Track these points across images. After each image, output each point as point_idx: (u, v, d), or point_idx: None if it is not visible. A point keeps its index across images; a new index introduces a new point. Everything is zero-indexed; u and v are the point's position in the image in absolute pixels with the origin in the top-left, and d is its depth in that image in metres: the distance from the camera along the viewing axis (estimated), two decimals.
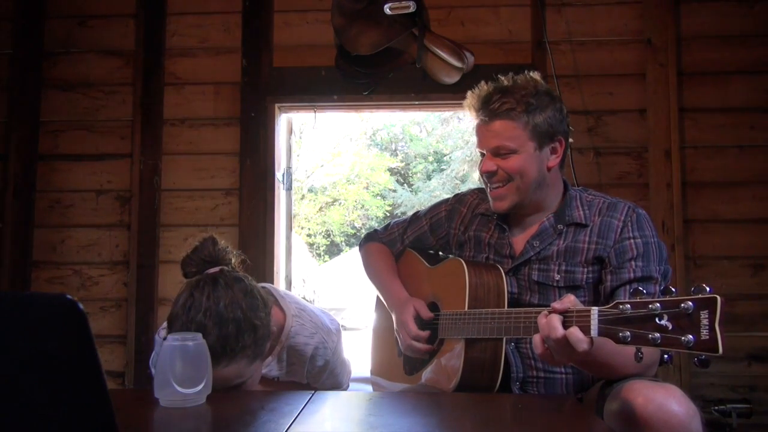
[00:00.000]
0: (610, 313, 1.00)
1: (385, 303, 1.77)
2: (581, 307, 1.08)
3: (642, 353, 0.97)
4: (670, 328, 0.91)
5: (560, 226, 1.48)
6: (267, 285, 1.61)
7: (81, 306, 0.57)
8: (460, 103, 2.63)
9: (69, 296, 0.57)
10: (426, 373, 1.59)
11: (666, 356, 0.97)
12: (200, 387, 1.11)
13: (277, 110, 2.67)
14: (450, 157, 17.78)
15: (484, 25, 2.63)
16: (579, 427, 1.07)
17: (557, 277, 1.45)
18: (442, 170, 18.03)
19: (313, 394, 1.25)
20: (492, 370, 1.42)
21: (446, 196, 1.80)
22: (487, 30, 2.63)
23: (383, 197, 18.94)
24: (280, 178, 2.71)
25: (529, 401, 1.33)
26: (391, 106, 2.74)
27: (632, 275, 1.39)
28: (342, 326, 1.77)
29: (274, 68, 2.67)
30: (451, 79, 2.53)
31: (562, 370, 1.45)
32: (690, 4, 2.57)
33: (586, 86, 2.57)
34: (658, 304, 0.93)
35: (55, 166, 2.70)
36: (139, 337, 2.57)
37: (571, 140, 1.53)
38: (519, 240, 1.53)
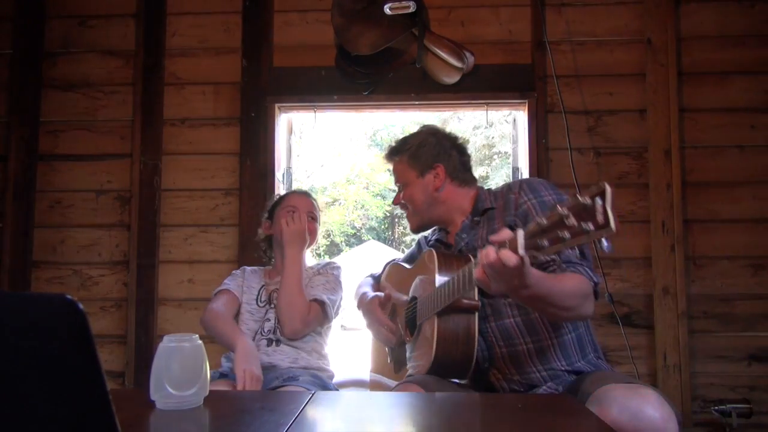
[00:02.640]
0: (531, 230, 1.11)
1: (361, 311, 1.94)
2: (510, 233, 1.18)
3: (560, 256, 1.13)
4: (576, 224, 1.00)
5: (476, 218, 1.69)
6: None
7: (81, 306, 0.57)
8: (460, 103, 2.68)
9: (69, 296, 0.57)
10: (410, 362, 1.65)
11: (576, 250, 1.16)
12: (195, 389, 1.11)
13: (277, 110, 2.67)
14: None
15: (484, 25, 2.63)
16: (579, 426, 1.07)
17: None
18: None
19: (313, 394, 1.25)
20: (466, 343, 1.48)
21: None
22: (487, 30, 2.63)
23: (383, 197, 18.95)
24: (280, 178, 2.71)
25: (529, 401, 1.33)
26: (391, 106, 2.74)
27: None
28: (342, 326, 1.84)
29: (274, 68, 2.67)
30: (451, 79, 2.53)
31: (521, 340, 1.54)
32: (690, 4, 2.57)
33: (586, 86, 2.57)
34: (566, 209, 1.03)
35: (55, 166, 2.70)
36: (139, 337, 2.57)
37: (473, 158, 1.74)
38: (452, 240, 1.76)
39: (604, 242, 0.97)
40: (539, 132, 2.55)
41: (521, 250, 1.12)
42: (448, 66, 2.49)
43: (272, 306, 1.99)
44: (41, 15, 2.73)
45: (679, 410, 1.24)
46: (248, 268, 2.16)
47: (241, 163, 2.63)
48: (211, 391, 1.17)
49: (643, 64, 2.55)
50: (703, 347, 2.46)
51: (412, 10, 2.45)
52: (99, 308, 2.64)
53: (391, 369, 1.79)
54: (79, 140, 2.70)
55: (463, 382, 1.57)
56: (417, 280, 1.71)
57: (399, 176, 1.81)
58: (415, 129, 1.92)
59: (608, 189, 0.96)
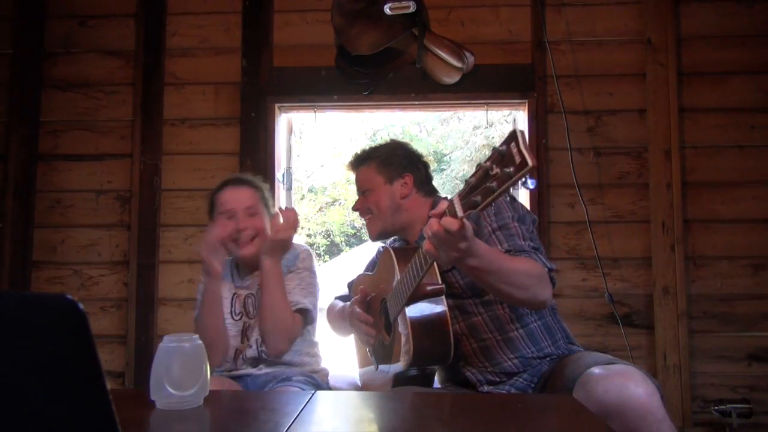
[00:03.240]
0: (464, 191, 1.15)
1: (344, 323, 1.92)
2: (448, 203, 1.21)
3: (492, 205, 1.13)
4: (500, 173, 1.05)
5: None
6: None
7: (81, 306, 0.57)
8: (460, 103, 2.68)
9: (69, 296, 0.57)
10: (392, 362, 1.66)
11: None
12: (195, 389, 1.11)
13: (277, 110, 2.67)
14: (450, 157, 17.78)
15: (484, 25, 2.63)
16: (578, 426, 1.08)
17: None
18: (442, 170, 18.03)
19: (313, 394, 1.25)
20: (441, 327, 1.52)
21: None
22: (487, 30, 2.63)
23: None
24: (280, 178, 2.71)
25: (529, 401, 1.33)
26: (391, 106, 2.74)
27: (489, 228, 1.56)
28: None
29: (274, 68, 2.67)
30: (451, 79, 2.53)
31: (489, 336, 1.58)
32: (690, 4, 2.57)
33: (586, 86, 2.57)
34: (488, 162, 1.08)
35: (55, 166, 2.70)
36: (139, 337, 2.57)
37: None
38: None
39: (529, 181, 1.02)
40: (539, 132, 2.55)
41: (459, 212, 1.15)
42: (448, 66, 2.49)
43: (250, 317, 1.83)
44: (41, 15, 2.73)
45: (678, 407, 1.27)
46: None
47: (241, 163, 2.63)
48: (211, 391, 1.17)
49: (642, 64, 2.55)
50: (703, 347, 2.46)
51: (412, 10, 2.45)
52: (99, 308, 2.63)
53: (373, 368, 1.80)
54: (79, 140, 2.70)
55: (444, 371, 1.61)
56: (381, 282, 1.74)
57: (364, 182, 1.83)
58: (382, 141, 1.97)
59: (519, 131, 1.03)
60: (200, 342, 1.14)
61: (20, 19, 2.71)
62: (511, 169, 1.02)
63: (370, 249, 2.12)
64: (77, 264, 2.66)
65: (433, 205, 1.75)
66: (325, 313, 2.04)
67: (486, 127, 15.74)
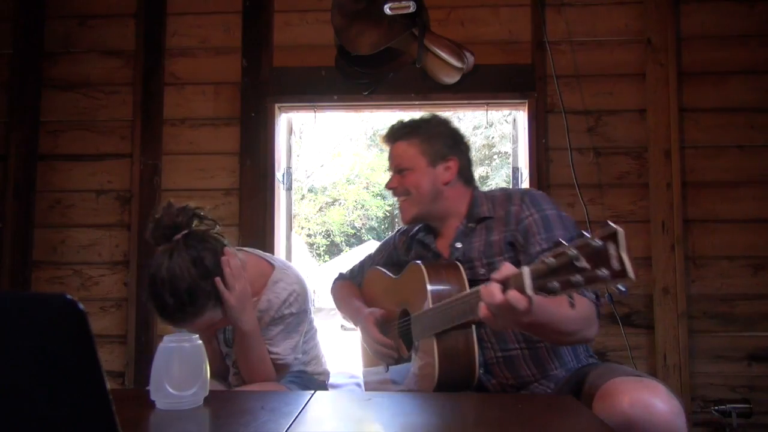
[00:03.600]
0: (538, 269, 1.06)
1: (353, 324, 1.88)
2: (515, 270, 1.14)
3: (572, 299, 1.04)
4: (588, 268, 0.97)
5: (471, 225, 1.63)
6: (251, 250, 1.77)
7: (81, 306, 0.57)
8: (460, 103, 2.68)
9: (69, 296, 0.57)
10: (408, 379, 1.62)
11: (600, 297, 1.06)
12: (195, 389, 1.11)
13: (277, 110, 2.67)
14: None
15: (484, 25, 2.63)
16: (579, 426, 1.07)
17: (482, 271, 1.55)
18: None
19: (313, 394, 1.25)
20: (468, 358, 1.47)
21: None
22: (487, 30, 2.63)
23: (383, 197, 18.94)
24: (280, 178, 2.71)
25: (529, 401, 1.33)
26: (391, 106, 2.74)
27: (539, 248, 1.48)
28: (341, 326, 1.81)
29: (274, 68, 2.67)
30: (451, 79, 2.53)
31: (517, 345, 1.52)
32: (690, 4, 2.57)
33: (586, 86, 2.57)
34: (574, 250, 0.99)
35: (55, 166, 2.70)
36: (139, 337, 2.57)
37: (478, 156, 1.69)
38: (443, 247, 1.68)
39: (620, 287, 0.94)
40: (539, 132, 2.55)
41: (529, 291, 1.08)
42: (448, 66, 2.49)
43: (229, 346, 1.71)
44: (41, 15, 2.73)
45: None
46: None
47: (241, 164, 2.63)
48: (211, 391, 1.17)
49: (643, 64, 2.55)
50: (703, 347, 2.46)
51: (412, 10, 2.45)
52: (99, 308, 2.64)
53: (387, 381, 1.75)
54: (79, 140, 2.70)
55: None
56: (407, 295, 1.66)
57: (403, 160, 1.67)
58: (423, 115, 1.78)
59: (620, 232, 0.93)
60: (200, 342, 1.14)
61: (20, 19, 2.71)
62: (606, 273, 0.94)
63: (371, 249, 2.08)
64: (77, 264, 2.67)
65: (473, 200, 1.66)
66: (329, 307, 1.99)
67: (486, 127, 15.75)
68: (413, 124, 1.70)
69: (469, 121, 16.70)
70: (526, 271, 1.08)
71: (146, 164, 2.65)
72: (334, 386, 1.95)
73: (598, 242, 0.95)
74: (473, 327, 1.46)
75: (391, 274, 1.82)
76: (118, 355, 2.60)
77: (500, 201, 1.62)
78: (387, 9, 2.44)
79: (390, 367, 1.72)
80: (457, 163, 1.66)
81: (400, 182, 1.67)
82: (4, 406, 0.60)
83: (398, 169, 1.68)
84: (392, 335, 1.72)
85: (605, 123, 2.57)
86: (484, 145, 16.44)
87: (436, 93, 2.60)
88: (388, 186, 1.71)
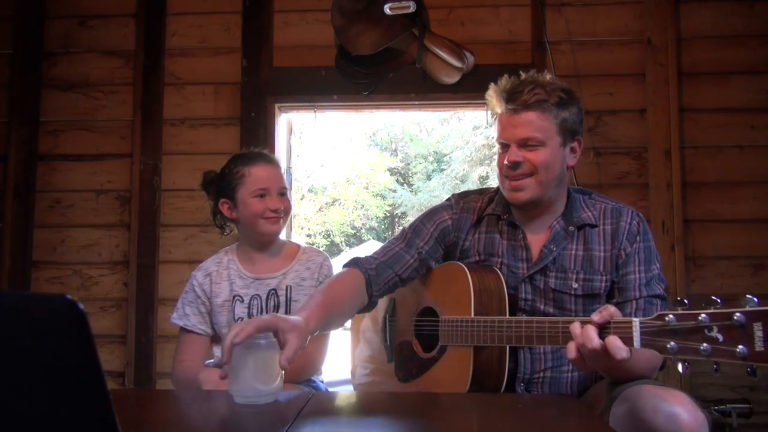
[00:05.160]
0: (654, 325, 1.01)
1: None
2: (621, 317, 1.08)
3: (689, 365, 0.98)
4: (721, 339, 0.92)
5: (571, 228, 1.46)
6: None
7: (81, 306, 0.57)
8: (460, 103, 2.67)
9: (69, 296, 0.57)
10: (425, 380, 1.56)
11: (715, 366, 0.97)
12: (276, 384, 1.12)
13: (277, 110, 2.67)
14: (450, 157, 17.79)
15: (484, 25, 2.63)
16: (580, 427, 1.07)
17: (575, 285, 1.43)
18: (442, 170, 18.04)
19: (313, 394, 1.25)
20: (498, 375, 1.40)
21: (445, 197, 1.75)
22: (487, 30, 2.63)
23: (383, 197, 18.96)
24: None
25: (530, 401, 1.33)
26: (391, 106, 2.74)
27: (636, 279, 1.40)
28: (342, 326, 1.77)
29: (274, 68, 2.67)
30: (451, 79, 2.53)
31: (568, 368, 1.44)
32: (690, 4, 2.57)
33: (586, 86, 2.57)
34: (706, 316, 0.94)
35: (55, 166, 2.70)
36: (139, 337, 2.57)
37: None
38: (534, 244, 1.48)
39: (751, 368, 0.90)
40: None
41: (636, 343, 1.01)
42: (448, 66, 2.49)
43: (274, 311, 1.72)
44: (41, 15, 2.73)
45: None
46: (207, 274, 1.79)
47: None
48: (209, 392, 1.17)
49: (643, 64, 2.56)
50: None
51: (412, 10, 2.45)
52: (99, 308, 2.63)
53: (392, 376, 1.69)
54: (79, 140, 2.70)
55: None
56: (439, 294, 1.55)
57: (537, 131, 1.39)
58: (546, 76, 1.44)
59: None
60: (274, 339, 1.13)
61: (20, 19, 2.71)
62: (745, 351, 0.89)
63: (371, 249, 1.98)
64: (77, 264, 2.67)
65: (571, 200, 1.49)
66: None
67: (486, 127, 15.76)
68: (550, 89, 1.40)
69: (469, 121, 16.71)
70: (636, 324, 1.03)
71: (146, 164, 2.65)
72: (332, 384, 1.94)
73: (740, 316, 0.90)
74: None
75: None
76: (118, 355, 2.60)
77: (607, 212, 1.47)
78: (387, 9, 2.45)
79: (393, 362, 1.68)
80: (581, 144, 1.46)
81: (527, 158, 1.41)
82: (4, 406, 0.60)
83: (525, 142, 1.40)
84: (404, 330, 1.66)
85: (605, 123, 2.57)
86: (484, 145, 16.44)
87: (436, 93, 2.60)
88: (510, 159, 1.41)
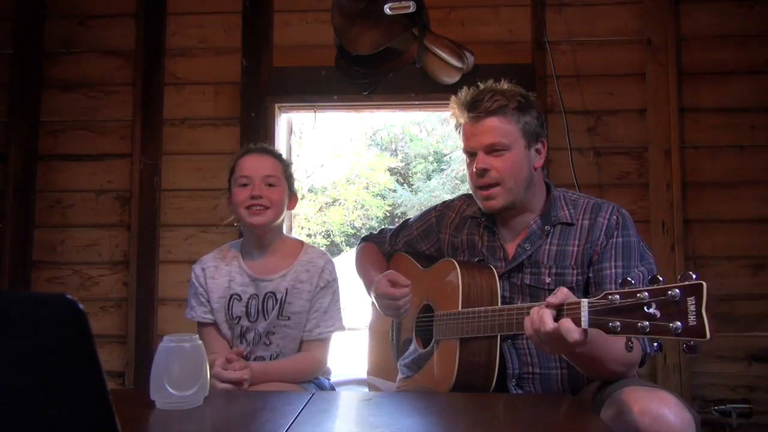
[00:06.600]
0: (600, 304, 1.02)
1: (366, 290, 1.77)
2: (573, 299, 1.10)
3: (632, 343, 0.99)
4: (659, 315, 0.93)
5: (547, 227, 1.50)
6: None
7: (81, 306, 0.57)
8: None
9: (69, 296, 0.57)
10: (422, 375, 1.59)
11: (655, 344, 0.99)
12: (195, 389, 1.11)
13: (277, 110, 2.67)
14: (450, 157, 17.78)
15: (484, 25, 2.63)
16: (578, 426, 1.07)
17: (548, 280, 1.47)
18: (442, 170, 18.03)
19: (313, 394, 1.25)
20: (487, 370, 1.43)
21: (445, 197, 1.82)
22: (487, 30, 2.63)
23: (383, 197, 18.95)
24: None
25: (529, 401, 1.33)
26: (391, 106, 2.74)
27: (611, 273, 1.42)
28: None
29: (274, 68, 2.67)
30: (451, 79, 2.53)
31: (557, 365, 1.47)
32: (690, 4, 2.57)
33: (586, 86, 2.57)
34: (646, 293, 0.94)
35: (55, 166, 2.70)
36: (139, 337, 2.57)
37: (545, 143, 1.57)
38: (510, 244, 1.55)
39: (689, 343, 0.91)
40: None
41: (585, 325, 1.03)
42: (448, 66, 2.49)
43: (251, 320, 1.72)
44: (41, 15, 2.73)
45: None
46: (203, 268, 1.79)
47: None
48: (211, 391, 1.17)
49: (643, 64, 2.55)
50: (703, 347, 2.45)
51: (412, 10, 2.45)
52: (99, 308, 2.63)
53: (397, 372, 1.72)
54: (79, 140, 2.70)
55: None
56: (433, 290, 1.60)
57: (502, 136, 1.43)
58: (506, 85, 1.50)
59: (705, 288, 0.89)
60: (200, 342, 1.14)
61: (20, 19, 2.71)
62: (679, 326, 0.90)
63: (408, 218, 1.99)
64: (77, 264, 2.66)
65: (551, 199, 1.52)
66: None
67: None
68: (508, 93, 1.46)
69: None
70: (585, 303, 1.04)
71: (146, 164, 2.65)
72: (338, 384, 1.95)
73: (676, 292, 0.91)
74: (498, 340, 1.42)
75: (419, 265, 1.74)
76: (118, 355, 2.60)
77: (586, 208, 1.50)
78: (387, 9, 2.44)
79: (400, 360, 1.70)
80: (545, 146, 1.51)
81: (494, 165, 1.45)
82: (4, 406, 0.60)
83: (492, 147, 1.45)
84: (408, 327, 1.70)
85: (605, 123, 2.56)
86: None
87: (436, 93, 2.60)
88: (479, 166, 1.45)
